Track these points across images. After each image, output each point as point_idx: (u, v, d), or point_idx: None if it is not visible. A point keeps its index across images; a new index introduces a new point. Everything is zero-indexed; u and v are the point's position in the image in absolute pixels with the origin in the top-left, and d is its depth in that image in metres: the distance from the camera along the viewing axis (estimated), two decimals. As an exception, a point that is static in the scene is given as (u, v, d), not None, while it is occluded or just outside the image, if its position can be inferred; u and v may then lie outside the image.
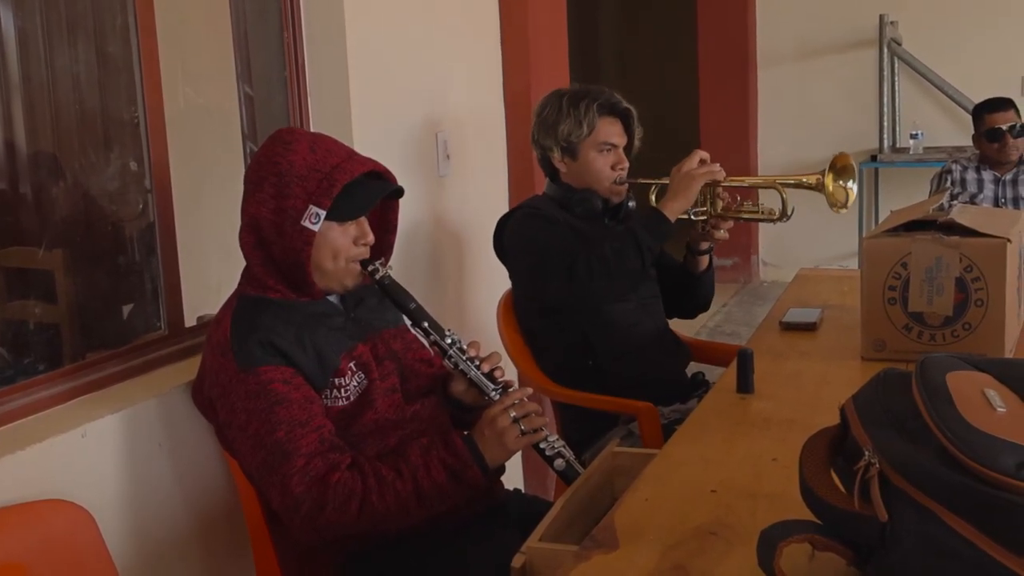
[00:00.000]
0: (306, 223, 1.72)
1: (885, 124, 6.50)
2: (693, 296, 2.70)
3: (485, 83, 3.24)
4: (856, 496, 1.06)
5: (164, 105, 2.10)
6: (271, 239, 1.75)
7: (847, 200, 2.32)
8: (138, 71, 2.06)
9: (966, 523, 0.99)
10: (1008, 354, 1.97)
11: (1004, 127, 4.08)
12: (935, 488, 1.01)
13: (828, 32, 6.70)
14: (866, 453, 1.07)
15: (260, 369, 1.69)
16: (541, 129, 2.54)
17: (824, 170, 2.32)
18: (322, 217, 1.73)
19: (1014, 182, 4.18)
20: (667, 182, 2.43)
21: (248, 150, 2.52)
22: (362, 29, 2.52)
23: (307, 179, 1.72)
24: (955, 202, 2.18)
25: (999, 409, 1.07)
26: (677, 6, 7.59)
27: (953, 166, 4.30)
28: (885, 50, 6.40)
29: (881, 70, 6.45)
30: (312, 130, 2.47)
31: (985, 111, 4.17)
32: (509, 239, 2.53)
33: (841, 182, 2.32)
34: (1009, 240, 1.95)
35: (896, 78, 6.52)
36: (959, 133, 6.19)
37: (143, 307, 2.18)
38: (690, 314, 2.76)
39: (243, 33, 2.51)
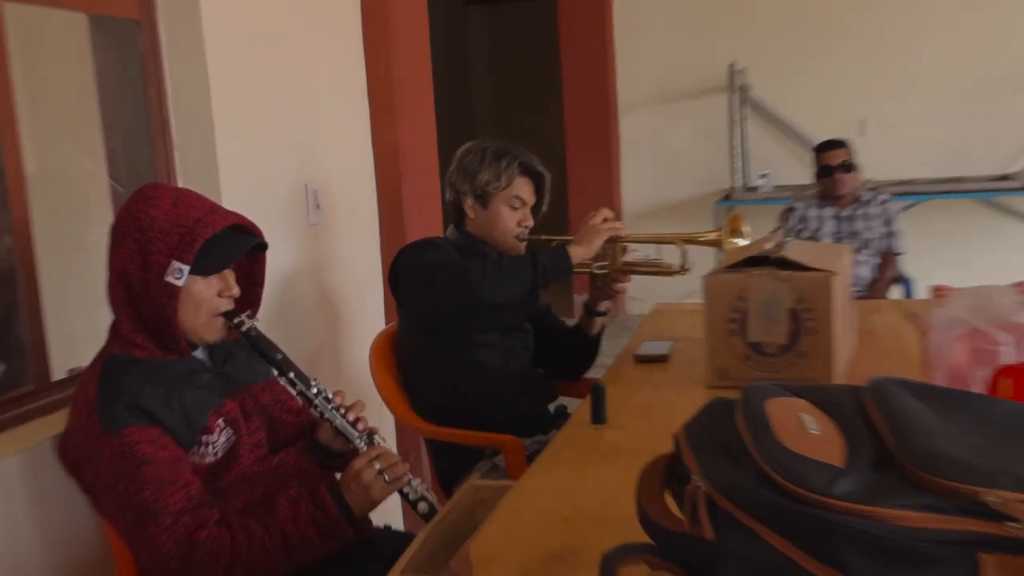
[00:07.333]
0: (170, 278, 1.73)
1: (737, 165, 6.78)
2: (582, 356, 2.83)
3: (353, 134, 3.28)
4: (686, 518, 1.16)
5: (25, 163, 2.09)
6: (139, 295, 1.75)
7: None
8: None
9: (784, 540, 1.05)
10: (838, 378, 2.10)
11: (834, 164, 4.50)
12: (756, 509, 1.07)
13: (683, 79, 6.99)
14: (694, 478, 1.18)
15: (126, 431, 1.68)
16: (459, 173, 2.63)
17: (723, 227, 2.57)
18: (185, 272, 1.73)
19: (851, 218, 4.51)
20: (567, 238, 2.57)
21: (116, 204, 2.51)
22: (227, 82, 2.54)
23: (169, 234, 1.73)
24: (788, 239, 2.36)
25: (812, 432, 1.18)
26: (543, 58, 7.83)
27: (796, 204, 4.62)
28: (736, 95, 6.70)
29: (732, 114, 6.74)
30: (179, 183, 2.48)
31: (821, 151, 4.60)
32: (403, 266, 2.57)
33: (732, 239, 2.56)
34: (835, 273, 2.10)
35: (746, 122, 6.82)
36: (805, 172, 6.52)
37: (9, 362, 2.16)
38: (575, 375, 2.86)
39: (107, 89, 2.52)
